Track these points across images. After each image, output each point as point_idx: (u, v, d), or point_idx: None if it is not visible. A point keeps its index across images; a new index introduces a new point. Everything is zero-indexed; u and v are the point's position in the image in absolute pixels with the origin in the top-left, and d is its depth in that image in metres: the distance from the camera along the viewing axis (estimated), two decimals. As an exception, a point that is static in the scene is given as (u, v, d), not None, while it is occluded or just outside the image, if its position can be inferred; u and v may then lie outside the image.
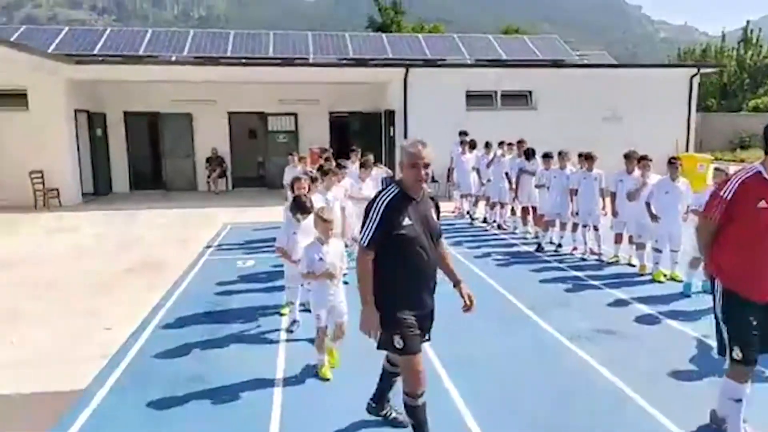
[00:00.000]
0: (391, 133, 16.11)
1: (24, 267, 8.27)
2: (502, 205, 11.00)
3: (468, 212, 11.95)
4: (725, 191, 3.42)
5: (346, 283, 4.81)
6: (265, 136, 17.63)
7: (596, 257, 8.48)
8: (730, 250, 3.47)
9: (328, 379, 4.46)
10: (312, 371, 4.60)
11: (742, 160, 20.85)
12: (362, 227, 3.28)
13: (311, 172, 7.40)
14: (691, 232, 5.40)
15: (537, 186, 9.50)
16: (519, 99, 16.37)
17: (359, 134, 17.29)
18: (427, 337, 3.48)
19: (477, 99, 15.93)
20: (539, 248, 9.05)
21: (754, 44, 34.68)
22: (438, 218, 3.45)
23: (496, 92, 16.18)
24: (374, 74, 16.56)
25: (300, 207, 5.21)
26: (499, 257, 8.76)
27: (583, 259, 8.49)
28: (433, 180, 13.20)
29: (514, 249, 9.31)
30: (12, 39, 16.14)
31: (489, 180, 11.00)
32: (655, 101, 16.12)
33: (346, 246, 6.06)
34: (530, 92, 16.33)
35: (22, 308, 6.34)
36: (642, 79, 16.52)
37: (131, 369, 4.74)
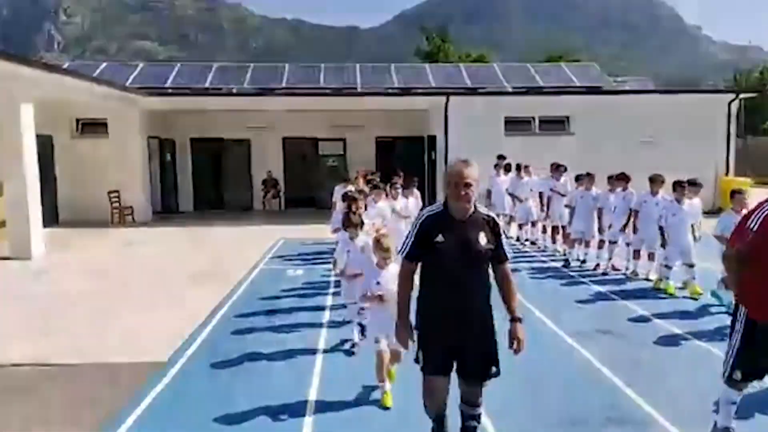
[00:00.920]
0: (433, 157, 17.07)
1: (113, 272, 9.68)
2: (533, 224, 11.73)
3: (504, 231, 12.62)
4: (752, 221, 3.30)
5: None
6: (316, 160, 19.05)
7: (619, 272, 9.09)
8: (757, 281, 3.38)
9: (388, 408, 4.38)
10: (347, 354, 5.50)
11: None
12: (404, 239, 3.42)
13: (360, 188, 8.58)
14: (715, 253, 5.60)
15: (566, 206, 10.21)
16: (557, 124, 16.93)
17: (403, 158, 18.18)
18: (467, 370, 3.30)
19: (515, 124, 16.59)
20: (566, 264, 9.76)
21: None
22: (497, 242, 3.32)
23: (534, 117, 16.85)
24: (417, 102, 17.68)
25: (350, 223, 5.66)
26: (532, 272, 9.48)
27: (605, 274, 9.13)
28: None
29: (545, 265, 10.03)
30: (94, 75, 18.16)
31: (520, 200, 11.72)
32: (692, 126, 16.25)
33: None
34: (567, 117, 16.89)
35: (116, 304, 7.61)
36: (678, 104, 16.81)
37: (202, 347, 5.86)
